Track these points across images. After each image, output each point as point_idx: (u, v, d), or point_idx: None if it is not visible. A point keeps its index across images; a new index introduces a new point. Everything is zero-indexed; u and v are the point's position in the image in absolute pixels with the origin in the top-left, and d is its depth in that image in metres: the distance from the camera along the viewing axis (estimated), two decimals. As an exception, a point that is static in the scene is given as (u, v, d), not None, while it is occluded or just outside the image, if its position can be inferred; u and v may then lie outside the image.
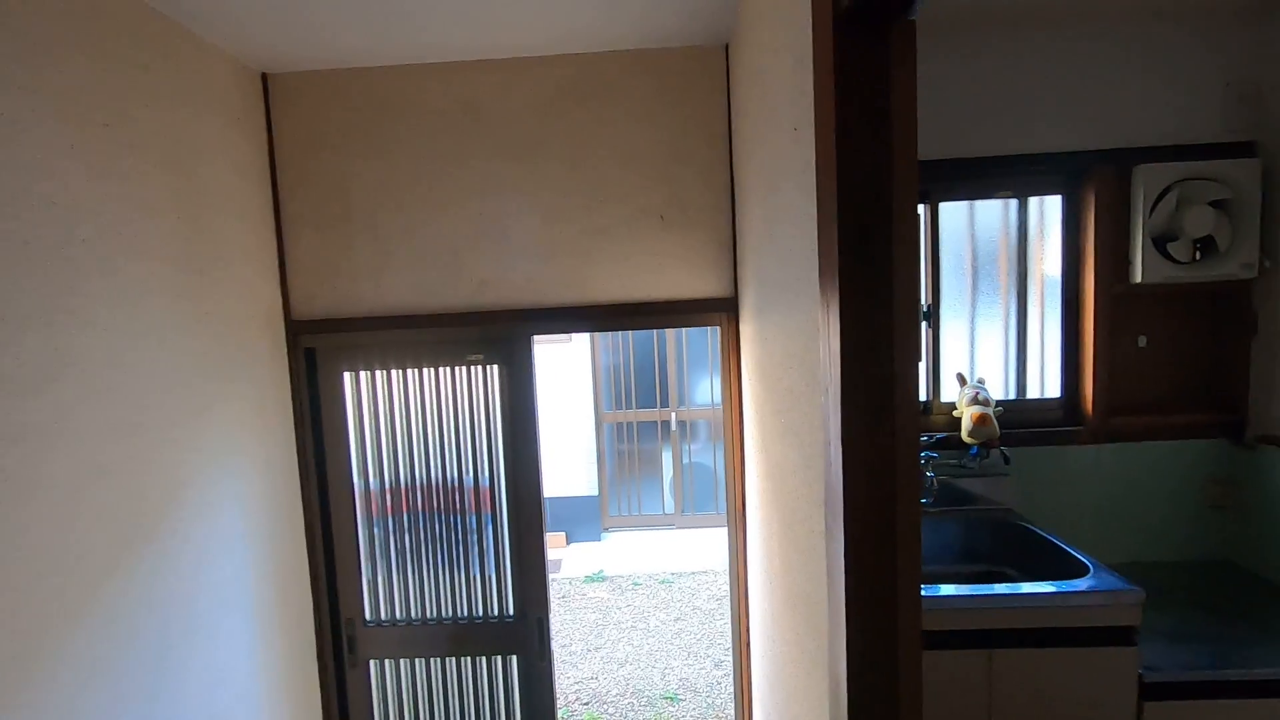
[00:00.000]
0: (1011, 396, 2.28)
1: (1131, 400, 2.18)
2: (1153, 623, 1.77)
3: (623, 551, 5.63)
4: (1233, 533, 2.12)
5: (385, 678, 2.26)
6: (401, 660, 2.25)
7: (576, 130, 2.10)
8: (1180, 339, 2.15)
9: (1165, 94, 2.03)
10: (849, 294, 0.90)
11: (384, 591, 2.24)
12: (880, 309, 0.91)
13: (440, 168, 2.11)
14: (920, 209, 2.19)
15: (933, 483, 1.96)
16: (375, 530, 2.23)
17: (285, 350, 2.12)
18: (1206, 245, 2.00)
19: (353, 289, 2.14)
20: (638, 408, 6.02)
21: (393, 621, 2.24)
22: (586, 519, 5.90)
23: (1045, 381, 2.27)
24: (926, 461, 2.01)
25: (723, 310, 2.12)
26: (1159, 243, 2.02)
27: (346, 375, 2.18)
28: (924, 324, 2.23)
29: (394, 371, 2.20)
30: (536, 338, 2.20)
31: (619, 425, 6.06)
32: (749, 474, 2.05)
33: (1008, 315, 2.28)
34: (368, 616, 2.23)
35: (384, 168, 2.10)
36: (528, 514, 2.21)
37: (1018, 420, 2.20)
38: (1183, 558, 2.16)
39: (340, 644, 2.22)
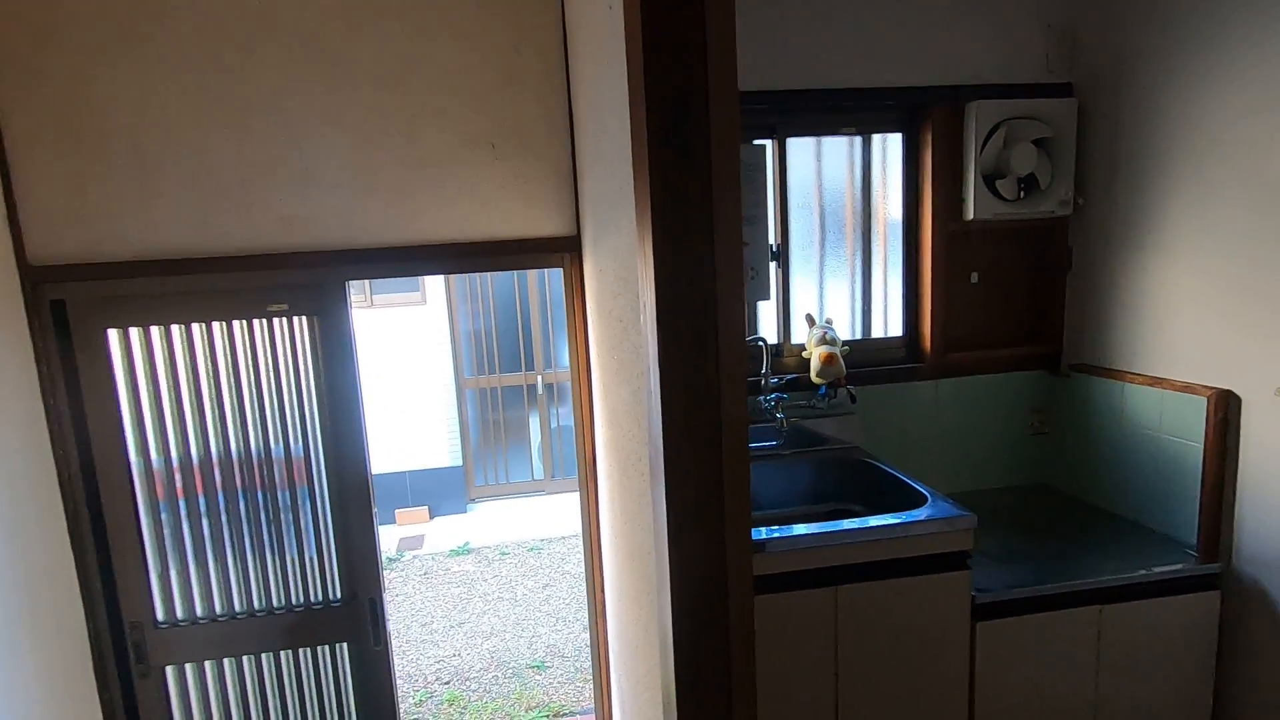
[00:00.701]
0: (858, 336, 2.29)
1: (965, 336, 2.25)
2: (981, 546, 1.84)
3: (490, 522, 5.41)
4: (1050, 457, 2.27)
5: (187, 685, 1.94)
6: (207, 662, 1.94)
7: (392, 45, 1.82)
8: (1007, 275, 2.24)
9: (997, 33, 2.06)
10: (660, 173, 0.75)
11: (179, 586, 1.91)
12: (697, 194, 0.77)
13: (224, 80, 1.75)
14: (767, 144, 2.12)
15: (783, 424, 1.92)
16: (164, 515, 1.89)
17: (22, 302, 1.71)
18: (1029, 183, 2.07)
19: (113, 227, 1.75)
20: (501, 372, 5.76)
21: (192, 620, 1.92)
22: (451, 491, 5.61)
23: (889, 321, 2.30)
24: (777, 403, 1.97)
25: (565, 250, 1.95)
26: (989, 180, 2.07)
27: (112, 333, 1.80)
28: (774, 264, 2.17)
29: (175, 327, 1.84)
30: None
31: (482, 391, 5.77)
32: (597, 424, 1.91)
33: (854, 256, 2.28)
34: (159, 617, 1.89)
35: (145, 74, 1.71)
36: (352, 485, 1.95)
37: (863, 359, 2.22)
38: (1008, 483, 2.29)
39: (125, 652, 1.87)
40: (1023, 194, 2.07)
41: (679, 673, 0.85)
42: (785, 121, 2.11)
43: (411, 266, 1.91)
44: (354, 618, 1.99)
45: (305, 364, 1.90)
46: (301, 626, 1.96)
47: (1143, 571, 1.69)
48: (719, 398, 0.84)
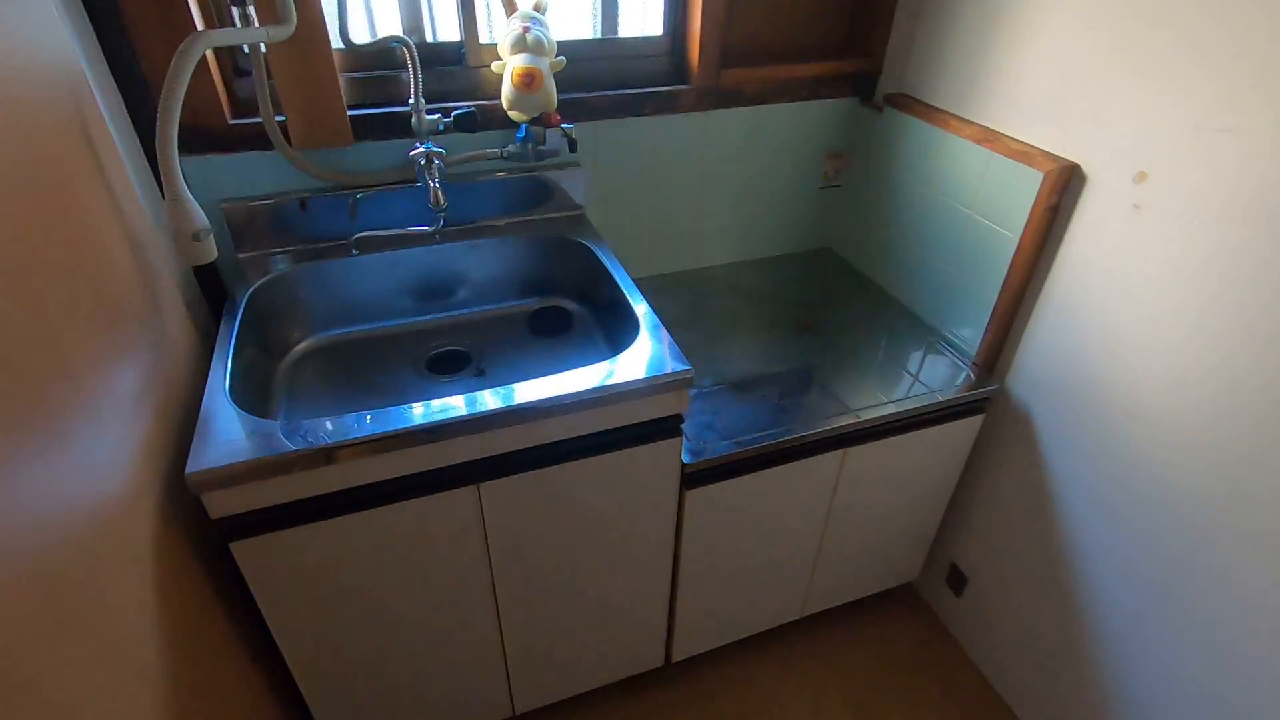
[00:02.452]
0: (597, 34, 1.45)
1: (754, 43, 1.50)
2: (721, 360, 1.38)
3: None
4: (839, 217, 1.75)
5: None
6: None
7: None
8: (827, -62, 1.43)
9: None
10: None
11: None
12: None
13: None
14: None
15: (438, 195, 1.18)
16: None
17: None
18: None
19: None
20: None
21: None
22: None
23: (648, 10, 1.46)
24: (427, 160, 1.19)
25: None
26: None
27: None
28: (434, -116, 1.18)
29: None
30: None
31: None
32: None
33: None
34: None
35: None
36: None
37: (606, 75, 1.43)
38: (784, 250, 1.79)
39: None
40: None
41: None
42: None
43: None
44: None
45: None
46: None
47: (906, 405, 1.31)
48: None
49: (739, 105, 1.50)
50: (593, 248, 1.35)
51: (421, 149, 1.19)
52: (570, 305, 1.45)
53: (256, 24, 1.05)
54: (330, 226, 1.31)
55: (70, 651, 0.60)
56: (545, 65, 1.24)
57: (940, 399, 1.32)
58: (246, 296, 1.16)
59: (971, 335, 1.40)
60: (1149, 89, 1.02)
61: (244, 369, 1.08)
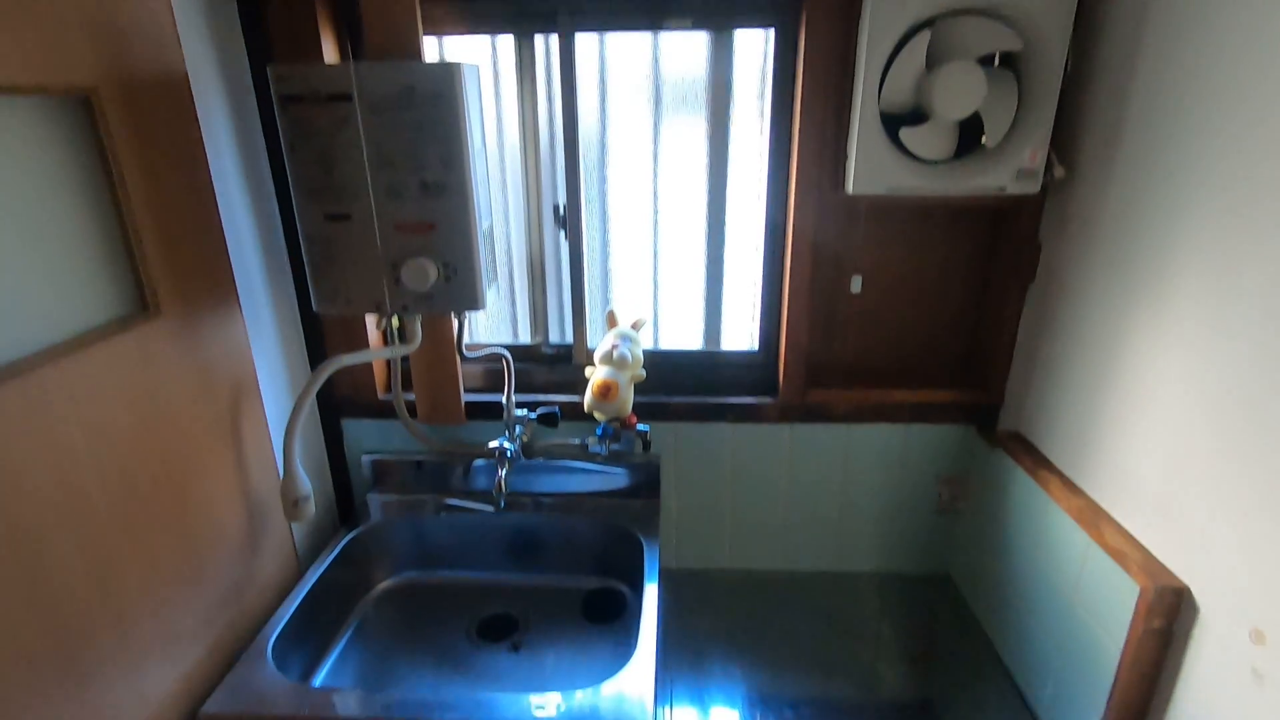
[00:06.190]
0: (699, 346, 1.58)
1: (860, 361, 1.50)
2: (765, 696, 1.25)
3: None
4: (959, 541, 1.55)
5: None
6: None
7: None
8: (923, 279, 1.42)
9: None
10: None
11: None
12: None
13: None
14: (542, 42, 1.34)
15: (502, 484, 1.33)
16: None
17: None
18: (970, 133, 1.19)
19: None
20: None
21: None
22: None
23: (753, 326, 1.56)
24: (499, 455, 1.37)
25: None
26: (892, 125, 1.20)
27: None
28: (560, 230, 1.47)
29: None
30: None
31: None
32: None
33: (709, 224, 1.51)
34: None
35: None
36: None
37: (702, 379, 1.54)
38: (901, 568, 1.61)
39: None
40: (958, 152, 1.21)
41: None
42: (569, 6, 1.31)
43: None
44: None
45: None
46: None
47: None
48: None
49: (827, 421, 1.48)
50: (643, 543, 1.38)
51: (497, 443, 1.38)
52: (626, 591, 1.47)
53: (398, 341, 1.36)
54: (443, 482, 1.54)
55: None
56: (624, 379, 1.38)
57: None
58: (341, 545, 1.40)
59: (1079, 755, 1.10)
60: (1262, 520, 0.81)
61: (320, 603, 1.28)
